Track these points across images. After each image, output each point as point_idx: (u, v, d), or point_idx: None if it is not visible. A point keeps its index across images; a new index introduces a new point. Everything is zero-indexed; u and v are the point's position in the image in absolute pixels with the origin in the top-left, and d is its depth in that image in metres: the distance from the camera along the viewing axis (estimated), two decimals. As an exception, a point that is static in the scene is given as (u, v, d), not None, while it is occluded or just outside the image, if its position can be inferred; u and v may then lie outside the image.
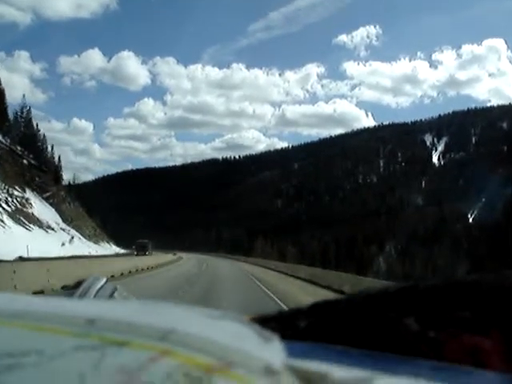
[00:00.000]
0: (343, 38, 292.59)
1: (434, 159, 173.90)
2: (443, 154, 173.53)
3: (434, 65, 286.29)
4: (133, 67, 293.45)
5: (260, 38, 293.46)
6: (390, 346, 0.30)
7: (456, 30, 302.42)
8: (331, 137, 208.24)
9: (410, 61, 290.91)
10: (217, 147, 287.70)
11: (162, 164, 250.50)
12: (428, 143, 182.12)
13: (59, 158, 60.71)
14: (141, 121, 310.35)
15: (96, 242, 53.30)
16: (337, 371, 0.26)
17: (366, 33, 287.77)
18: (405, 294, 0.33)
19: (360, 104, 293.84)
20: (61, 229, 44.86)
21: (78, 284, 0.51)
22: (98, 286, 0.50)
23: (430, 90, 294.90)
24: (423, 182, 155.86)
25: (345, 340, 0.31)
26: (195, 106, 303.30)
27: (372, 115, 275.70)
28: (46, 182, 50.38)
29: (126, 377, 0.23)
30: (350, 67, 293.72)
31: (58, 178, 54.29)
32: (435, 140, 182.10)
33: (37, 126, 60.95)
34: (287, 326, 0.34)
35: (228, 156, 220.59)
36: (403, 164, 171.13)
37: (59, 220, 47.29)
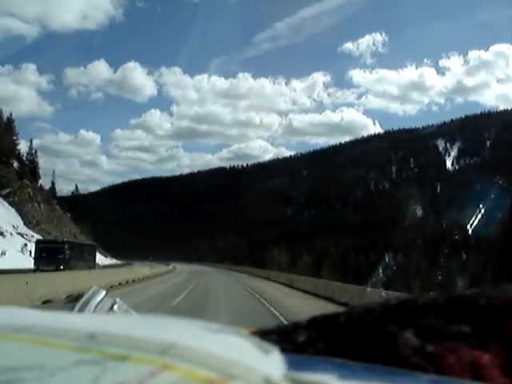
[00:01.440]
0: (349, 45, 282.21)
1: (448, 164, 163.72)
2: (457, 158, 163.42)
3: (441, 71, 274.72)
4: (139, 78, 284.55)
5: (266, 48, 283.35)
6: (389, 359, 0.29)
7: (463, 36, 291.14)
8: (341, 144, 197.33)
9: (417, 68, 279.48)
10: (224, 157, 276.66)
11: (169, 175, 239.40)
12: (441, 148, 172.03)
13: (35, 152, 49.65)
14: (148, 132, 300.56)
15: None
16: (336, 383, 0.26)
17: (371, 40, 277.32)
18: (404, 307, 0.32)
19: (367, 112, 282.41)
20: (18, 233, 33.65)
21: (78, 297, 0.50)
22: (98, 299, 0.49)
23: (438, 97, 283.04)
24: (438, 188, 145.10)
25: (344, 353, 0.30)
26: (202, 116, 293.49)
27: (379, 123, 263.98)
28: (8, 176, 39.19)
29: None
30: (356, 75, 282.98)
31: (24, 174, 43.15)
32: (448, 145, 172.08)
33: (10, 116, 50.17)
34: (287, 339, 0.32)
35: (236, 164, 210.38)
36: (416, 170, 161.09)
37: (20, 222, 36.08)
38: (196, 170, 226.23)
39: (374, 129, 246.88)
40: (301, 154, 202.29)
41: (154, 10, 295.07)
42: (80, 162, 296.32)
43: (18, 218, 36.52)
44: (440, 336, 0.30)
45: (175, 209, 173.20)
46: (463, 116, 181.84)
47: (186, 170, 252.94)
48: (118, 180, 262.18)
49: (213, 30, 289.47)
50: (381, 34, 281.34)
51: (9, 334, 0.28)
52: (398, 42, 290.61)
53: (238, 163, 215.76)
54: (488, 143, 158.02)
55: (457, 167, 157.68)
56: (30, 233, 36.06)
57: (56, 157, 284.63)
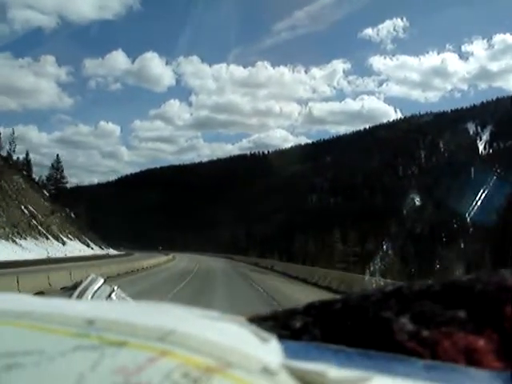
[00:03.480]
0: (369, 31, 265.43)
1: (480, 148, 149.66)
2: (489, 142, 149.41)
3: (463, 57, 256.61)
4: (157, 68, 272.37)
5: (285, 37, 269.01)
6: (384, 345, 0.28)
7: (486, 20, 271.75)
8: (365, 129, 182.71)
9: (439, 53, 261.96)
10: (244, 147, 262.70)
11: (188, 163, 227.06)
12: (471, 132, 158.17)
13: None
14: (167, 122, 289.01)
15: (11, 238, 29.63)
16: (333, 371, 0.25)
17: (392, 26, 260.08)
18: (400, 293, 0.32)
19: (388, 100, 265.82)
20: None
21: (76, 285, 0.48)
22: (96, 287, 0.48)
23: (461, 84, 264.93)
24: (472, 173, 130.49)
25: (340, 339, 0.29)
26: (221, 105, 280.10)
27: (401, 111, 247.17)
28: None
29: (124, 377, 0.22)
30: (376, 62, 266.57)
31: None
32: (479, 128, 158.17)
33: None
34: (283, 325, 0.32)
35: (256, 151, 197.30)
36: (446, 155, 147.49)
37: None
38: (215, 158, 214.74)
39: (396, 116, 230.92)
40: (323, 140, 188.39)
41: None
42: (101, 154, 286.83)
43: None
44: (435, 321, 0.29)
45: (194, 197, 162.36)
46: (494, 99, 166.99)
47: (205, 160, 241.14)
48: (138, 171, 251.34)
49: (231, 18, 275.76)
50: (401, 19, 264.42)
51: (8, 319, 0.28)
52: (419, 26, 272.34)
53: (259, 150, 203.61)
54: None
55: (490, 151, 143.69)
56: None
57: (76, 148, 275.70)
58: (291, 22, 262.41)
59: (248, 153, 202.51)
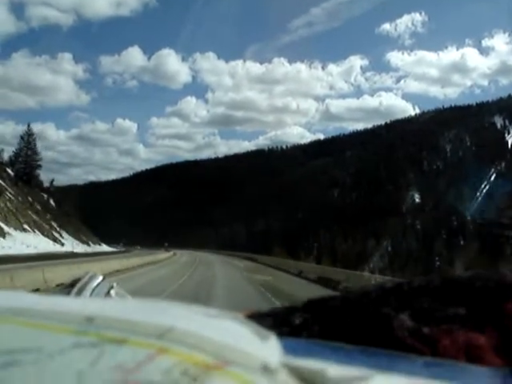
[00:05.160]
0: (386, 26, 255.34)
1: (510, 142, 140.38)
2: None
3: (484, 52, 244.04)
4: (173, 65, 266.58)
5: (302, 34, 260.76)
6: (384, 342, 0.28)
7: (508, 13, 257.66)
8: (386, 123, 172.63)
9: (458, 49, 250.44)
10: (261, 144, 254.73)
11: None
12: (499, 126, 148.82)
13: None
14: (184, 119, 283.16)
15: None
16: (333, 368, 0.24)
17: (410, 20, 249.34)
18: (400, 290, 0.31)
19: (406, 96, 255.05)
20: None
21: (75, 282, 0.46)
22: (95, 283, 0.47)
23: (481, 79, 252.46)
24: (503, 167, 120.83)
25: (340, 336, 0.28)
26: (238, 102, 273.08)
27: (419, 107, 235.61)
28: None
29: (123, 374, 0.22)
30: (394, 58, 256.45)
31: None
32: (507, 122, 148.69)
33: None
34: (282, 322, 0.31)
35: (274, 146, 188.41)
36: (473, 149, 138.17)
37: None
38: (232, 154, 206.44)
39: (415, 112, 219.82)
40: (343, 134, 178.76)
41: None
42: (118, 151, 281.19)
43: None
44: (435, 318, 0.28)
45: (209, 193, 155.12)
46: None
47: (221, 156, 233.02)
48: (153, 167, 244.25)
49: (247, 15, 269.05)
50: (420, 13, 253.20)
51: (6, 316, 0.27)
52: (438, 21, 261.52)
53: (278, 145, 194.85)
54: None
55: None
56: None
57: (94, 146, 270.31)
58: (308, 19, 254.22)
59: (266, 148, 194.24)
